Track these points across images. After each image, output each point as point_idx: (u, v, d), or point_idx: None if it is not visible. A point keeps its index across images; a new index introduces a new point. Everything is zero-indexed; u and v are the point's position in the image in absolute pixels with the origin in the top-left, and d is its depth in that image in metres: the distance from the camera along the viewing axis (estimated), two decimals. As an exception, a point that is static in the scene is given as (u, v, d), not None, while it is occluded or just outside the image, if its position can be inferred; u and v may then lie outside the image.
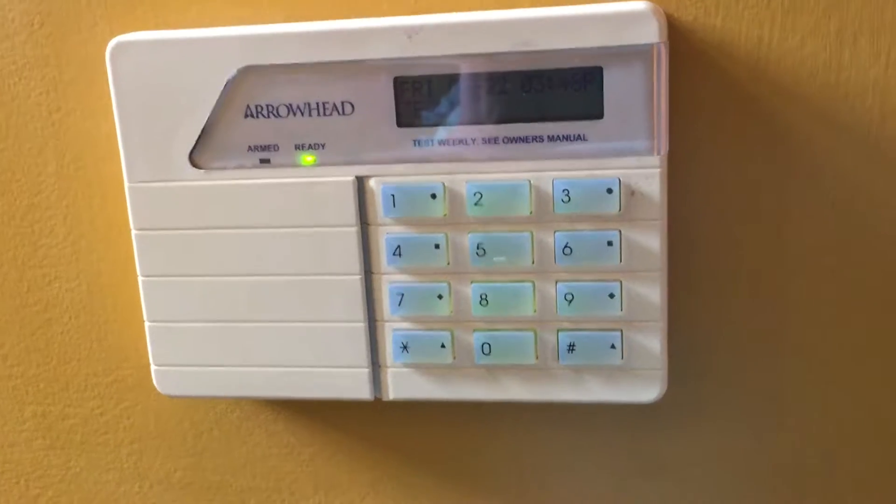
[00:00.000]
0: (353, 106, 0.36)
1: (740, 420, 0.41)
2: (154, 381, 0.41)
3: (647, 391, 0.37)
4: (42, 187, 0.43)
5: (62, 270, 0.44)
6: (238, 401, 0.45)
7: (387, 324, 0.39)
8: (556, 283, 0.37)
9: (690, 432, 0.42)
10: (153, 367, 0.41)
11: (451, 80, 0.35)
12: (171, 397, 0.43)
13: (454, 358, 0.38)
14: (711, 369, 0.40)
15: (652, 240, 0.36)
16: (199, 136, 0.37)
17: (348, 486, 0.45)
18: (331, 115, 0.36)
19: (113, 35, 0.38)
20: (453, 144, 0.36)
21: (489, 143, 0.36)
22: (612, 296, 0.36)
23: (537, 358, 0.38)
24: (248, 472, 0.46)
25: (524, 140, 0.36)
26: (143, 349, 0.43)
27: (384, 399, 0.40)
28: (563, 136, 0.35)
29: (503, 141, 0.36)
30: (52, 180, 0.42)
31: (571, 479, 0.43)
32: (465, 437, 0.43)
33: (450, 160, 0.36)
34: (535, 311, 0.37)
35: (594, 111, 0.35)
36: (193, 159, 0.38)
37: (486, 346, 0.38)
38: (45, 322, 0.45)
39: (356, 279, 0.38)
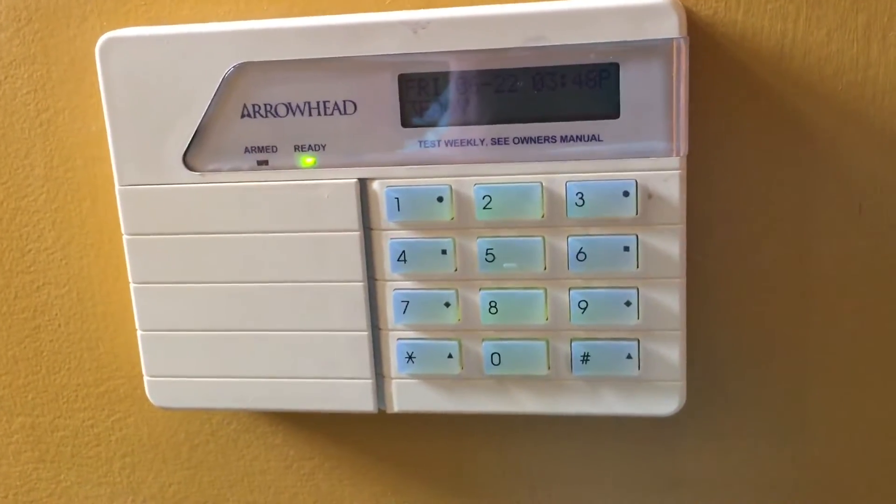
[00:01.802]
0: (355, 105, 0.35)
1: (761, 433, 0.40)
2: (147, 393, 0.40)
3: (665, 403, 0.36)
4: (30, 190, 0.41)
5: (51, 276, 0.42)
6: (235, 412, 0.43)
7: (391, 333, 0.38)
8: (570, 290, 0.36)
9: (708, 446, 0.41)
10: (146, 378, 0.40)
11: (459, 77, 0.34)
12: (166, 409, 0.41)
13: (462, 368, 0.37)
14: (731, 380, 0.39)
15: (670, 245, 0.34)
16: (194, 137, 0.36)
17: (350, 501, 0.44)
18: (332, 114, 0.35)
19: (103, 31, 0.37)
20: (461, 145, 0.35)
21: (499, 143, 0.35)
22: (628, 304, 0.35)
23: (549, 368, 0.37)
24: (245, 486, 0.45)
25: (536, 140, 0.34)
26: (136, 358, 0.42)
27: (388, 411, 0.39)
28: (577, 137, 0.34)
29: (514, 141, 0.34)
30: (40, 183, 0.41)
31: (583, 496, 0.42)
32: (473, 451, 0.42)
33: (457, 161, 0.35)
34: (547, 319, 0.36)
35: (610, 110, 0.34)
36: (187, 161, 0.36)
37: (495, 357, 0.37)
38: (33, 330, 0.44)
39: (359, 286, 0.37)
